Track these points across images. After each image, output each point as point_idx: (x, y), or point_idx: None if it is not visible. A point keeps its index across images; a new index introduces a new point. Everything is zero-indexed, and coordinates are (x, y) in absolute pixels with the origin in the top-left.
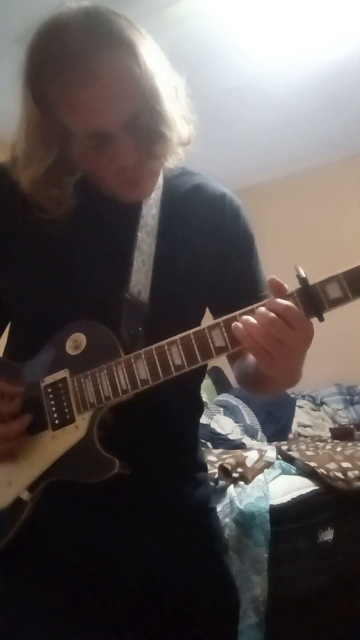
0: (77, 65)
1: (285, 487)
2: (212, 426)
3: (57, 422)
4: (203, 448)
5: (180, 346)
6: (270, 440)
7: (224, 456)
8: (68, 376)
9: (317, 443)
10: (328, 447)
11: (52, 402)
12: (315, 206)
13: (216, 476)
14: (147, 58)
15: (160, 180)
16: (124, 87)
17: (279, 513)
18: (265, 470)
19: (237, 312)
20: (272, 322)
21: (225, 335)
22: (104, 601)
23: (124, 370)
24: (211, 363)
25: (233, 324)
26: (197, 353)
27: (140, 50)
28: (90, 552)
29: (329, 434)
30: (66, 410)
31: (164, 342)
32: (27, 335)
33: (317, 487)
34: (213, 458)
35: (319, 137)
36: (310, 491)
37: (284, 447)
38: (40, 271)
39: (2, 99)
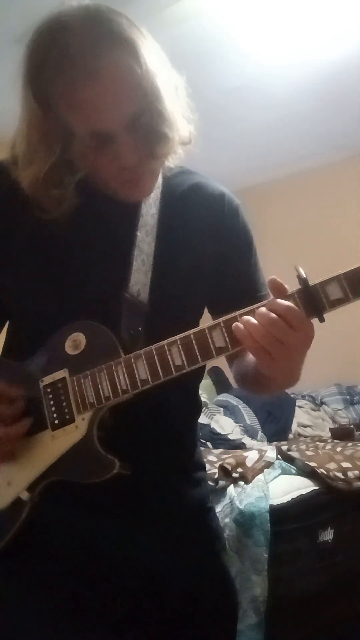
0: (77, 65)
1: (285, 487)
2: (212, 426)
3: (56, 422)
4: (203, 448)
5: (180, 346)
6: (270, 440)
7: (224, 456)
8: (67, 376)
9: (317, 443)
10: (328, 447)
11: (52, 402)
12: (315, 206)
13: (216, 476)
14: (148, 57)
15: (159, 179)
16: (125, 87)
17: (279, 513)
18: (265, 470)
19: (237, 313)
20: (272, 323)
21: (226, 335)
22: (104, 601)
23: (124, 370)
24: (211, 363)
25: (234, 324)
26: (198, 353)
27: (141, 50)
28: (90, 552)
29: (329, 434)
30: (66, 410)
31: (164, 342)
32: (27, 334)
33: (317, 487)
34: (213, 458)
35: (319, 137)
36: (310, 491)
37: (284, 447)
38: (40, 271)
39: (2, 99)
